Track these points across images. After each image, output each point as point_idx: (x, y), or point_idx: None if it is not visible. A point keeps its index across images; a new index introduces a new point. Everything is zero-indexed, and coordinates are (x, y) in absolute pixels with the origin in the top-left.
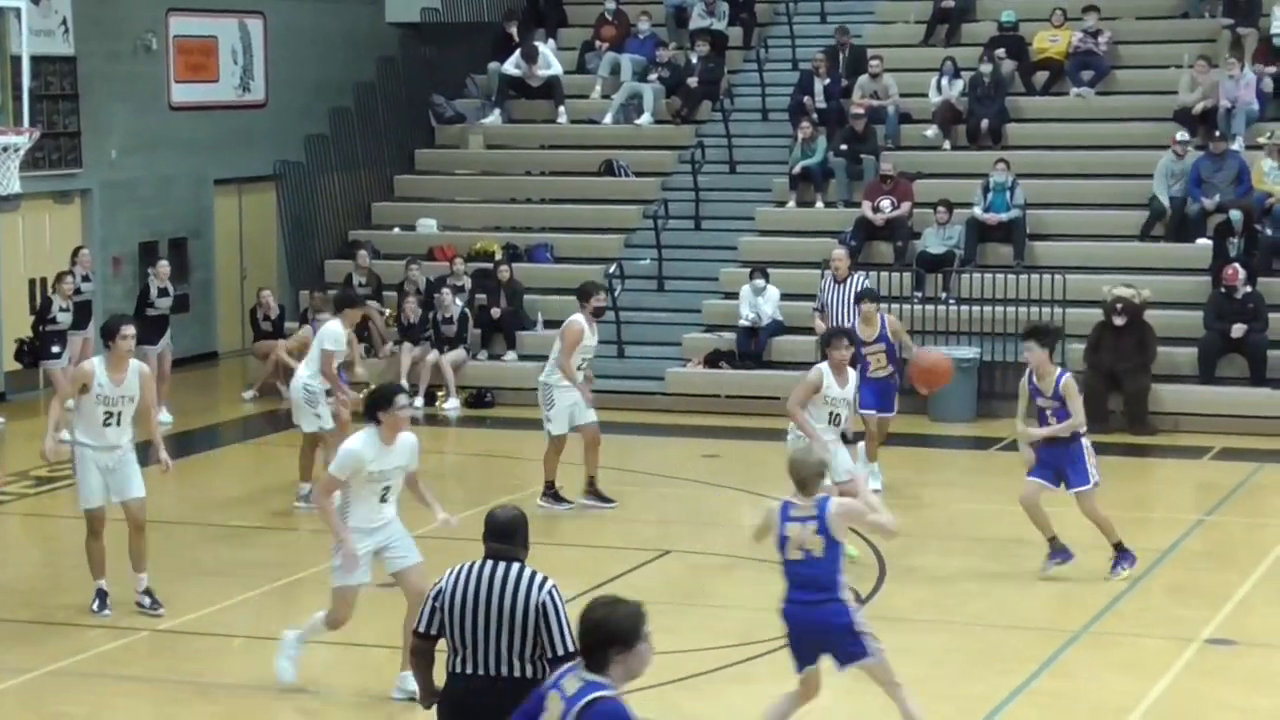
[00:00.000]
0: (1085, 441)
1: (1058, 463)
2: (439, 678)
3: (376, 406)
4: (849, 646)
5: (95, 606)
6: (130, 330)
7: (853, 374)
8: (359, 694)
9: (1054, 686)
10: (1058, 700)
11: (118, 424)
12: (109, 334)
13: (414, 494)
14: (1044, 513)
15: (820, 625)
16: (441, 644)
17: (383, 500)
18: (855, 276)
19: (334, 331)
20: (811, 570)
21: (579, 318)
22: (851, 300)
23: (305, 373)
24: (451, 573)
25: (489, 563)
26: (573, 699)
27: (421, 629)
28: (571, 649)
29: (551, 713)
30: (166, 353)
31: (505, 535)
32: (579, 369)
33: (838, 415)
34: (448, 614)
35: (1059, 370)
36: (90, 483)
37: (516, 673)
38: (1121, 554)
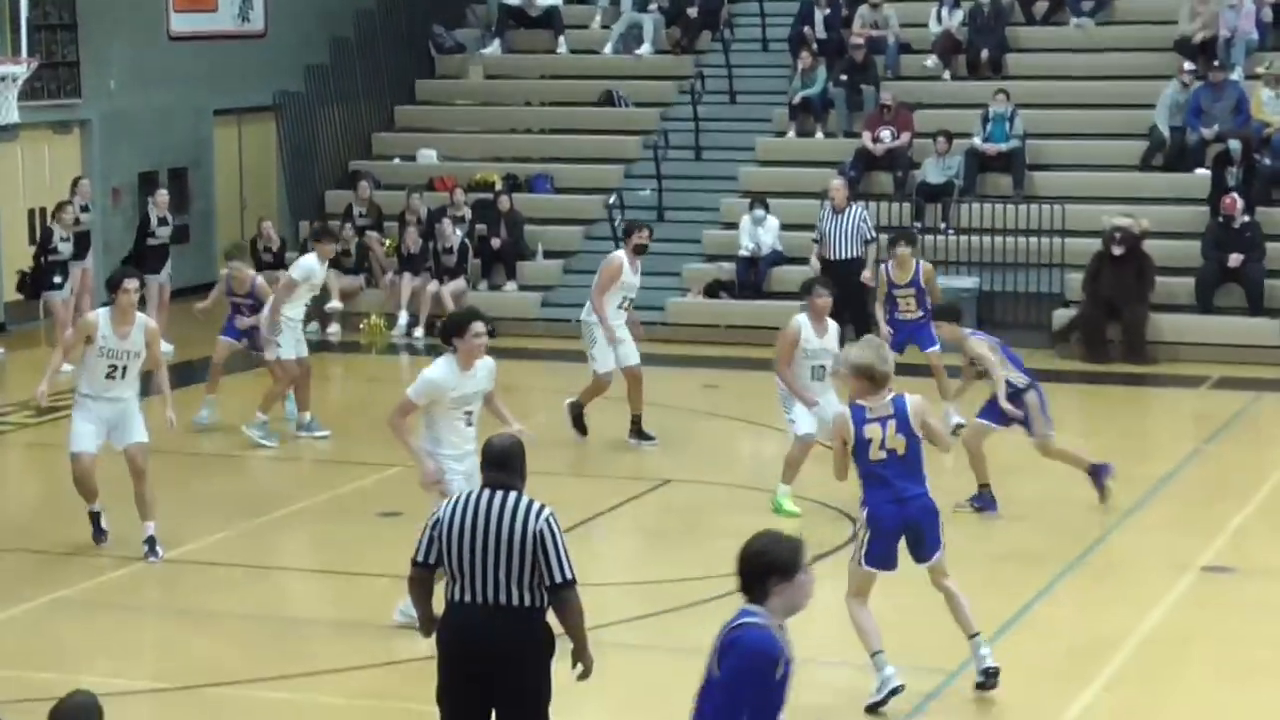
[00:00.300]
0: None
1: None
2: (438, 608)
3: (452, 333)
4: (936, 536)
5: (92, 533)
6: (134, 284)
7: (833, 324)
8: (361, 623)
9: (1051, 614)
10: (1055, 628)
11: (122, 377)
12: (113, 286)
13: (491, 411)
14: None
15: (914, 520)
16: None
17: (468, 425)
18: (853, 207)
19: (304, 264)
20: (899, 468)
21: (620, 254)
22: (850, 230)
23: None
24: (449, 502)
25: (486, 492)
26: (726, 625)
27: (420, 558)
28: (570, 576)
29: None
30: (166, 284)
31: (502, 464)
32: (620, 308)
33: (820, 368)
34: (446, 543)
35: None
36: (81, 430)
37: (515, 601)
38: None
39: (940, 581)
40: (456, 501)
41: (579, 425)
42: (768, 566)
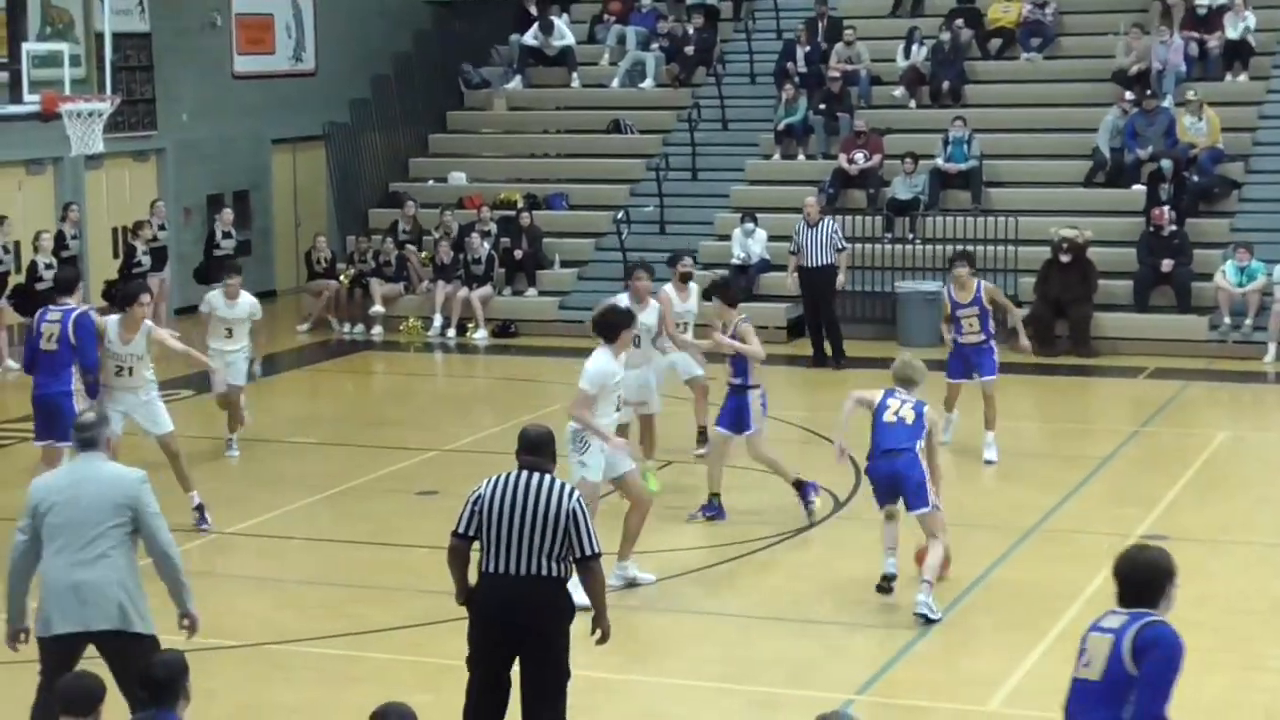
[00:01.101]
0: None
1: None
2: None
3: (615, 328)
4: (917, 496)
5: None
6: (147, 298)
7: (653, 302)
8: (402, 588)
9: (1008, 577)
10: (1012, 588)
11: (129, 375)
12: (130, 299)
13: None
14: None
15: (898, 473)
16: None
17: (617, 409)
18: (826, 220)
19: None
20: (898, 431)
21: (666, 286)
22: (823, 241)
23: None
24: (490, 481)
25: (523, 473)
26: (1121, 630)
27: (461, 530)
28: (598, 549)
29: (1097, 650)
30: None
31: (536, 449)
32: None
33: (637, 337)
34: (486, 518)
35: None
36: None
37: (545, 571)
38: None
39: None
40: (497, 481)
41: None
42: (1167, 573)
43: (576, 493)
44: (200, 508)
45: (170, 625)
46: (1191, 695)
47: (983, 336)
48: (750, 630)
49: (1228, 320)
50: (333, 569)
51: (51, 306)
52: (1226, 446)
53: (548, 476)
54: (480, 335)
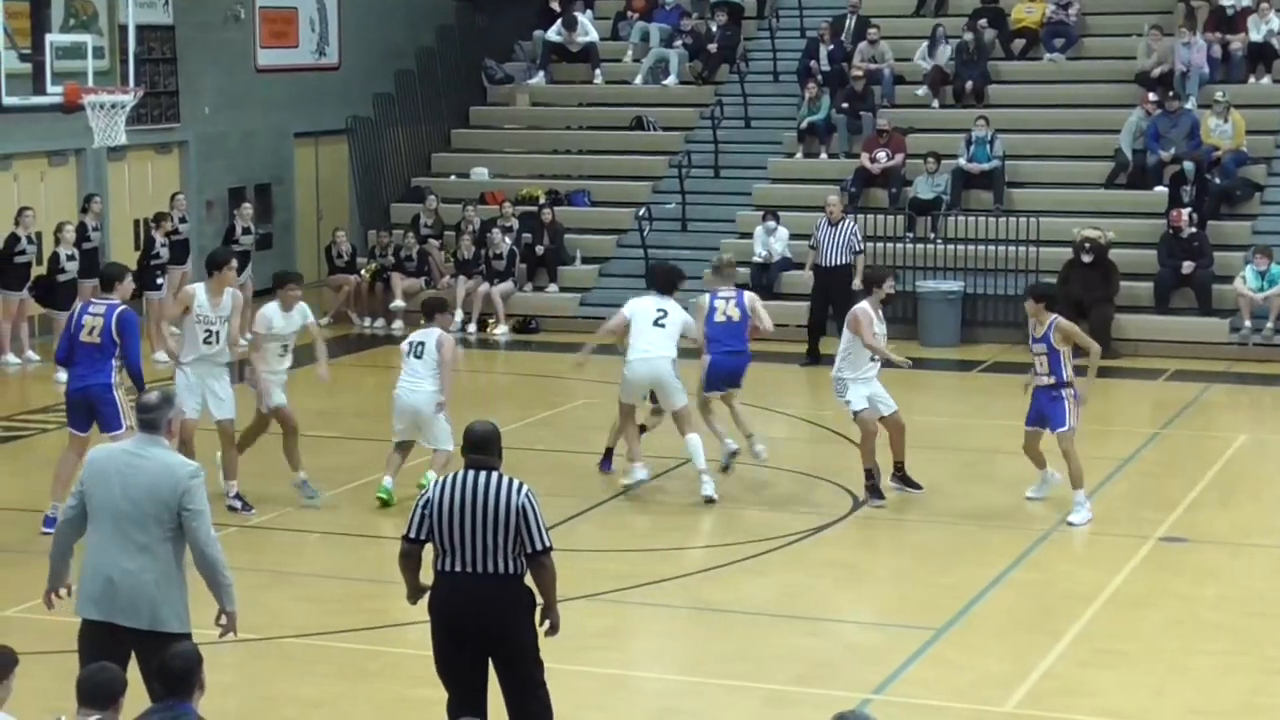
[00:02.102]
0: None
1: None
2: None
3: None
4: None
5: None
6: (234, 263)
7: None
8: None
9: (1027, 578)
10: (1030, 589)
11: (216, 341)
12: (219, 264)
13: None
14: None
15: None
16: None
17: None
18: (847, 220)
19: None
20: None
21: (864, 304)
22: (841, 241)
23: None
24: (437, 483)
25: (470, 472)
26: None
27: (412, 535)
28: (547, 544)
29: None
30: (249, 283)
31: (482, 447)
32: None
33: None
34: (436, 519)
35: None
36: (186, 399)
37: (499, 569)
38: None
39: None
40: (444, 482)
41: (905, 481)
42: None
43: (525, 488)
44: (239, 496)
45: (206, 620)
46: (1211, 698)
47: (1052, 379)
48: (766, 627)
49: (1248, 323)
50: (352, 563)
51: (94, 300)
52: (1247, 449)
53: (495, 474)
54: (501, 331)
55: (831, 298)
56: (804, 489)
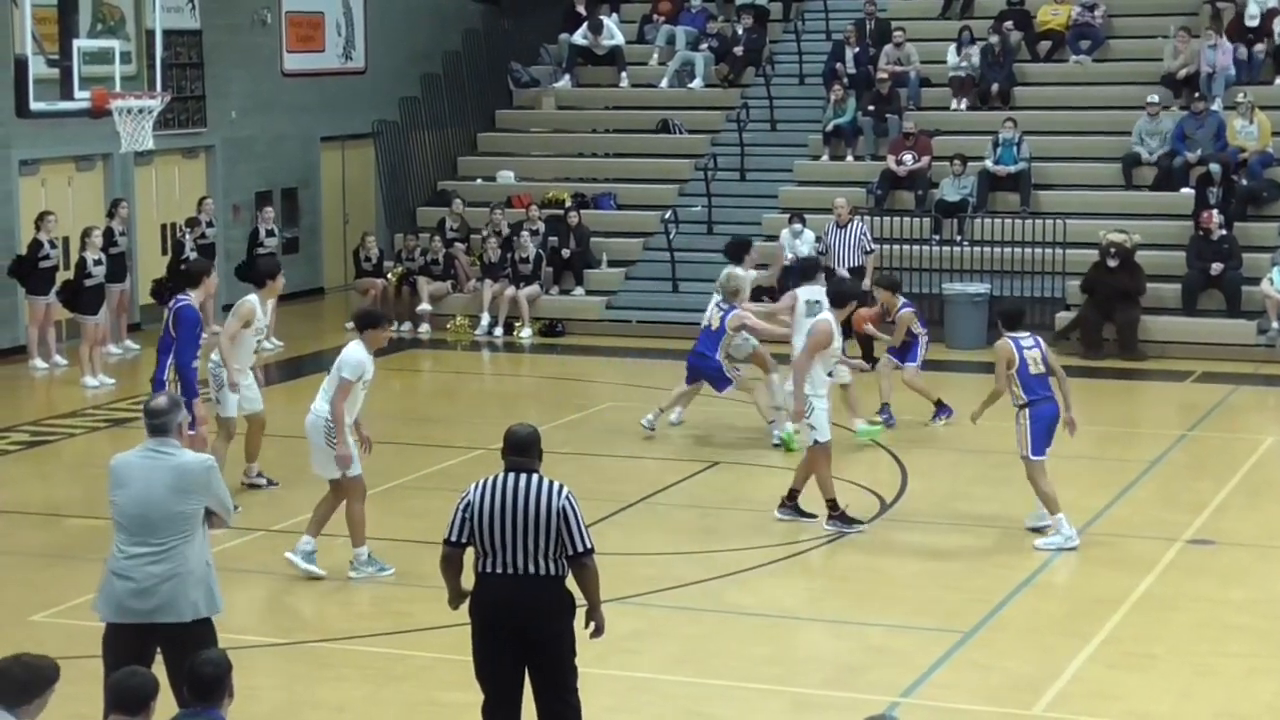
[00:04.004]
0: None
1: None
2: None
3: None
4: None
5: (265, 484)
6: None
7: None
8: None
9: (1054, 580)
10: (1058, 592)
11: (260, 347)
12: (273, 274)
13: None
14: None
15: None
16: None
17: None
18: (855, 221)
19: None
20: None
21: (830, 317)
22: (852, 242)
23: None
24: (477, 486)
25: (510, 475)
26: None
27: (453, 538)
28: (589, 545)
29: None
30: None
31: (524, 449)
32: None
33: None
34: (477, 522)
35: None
36: (230, 399)
37: (541, 571)
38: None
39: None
40: (484, 485)
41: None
42: None
43: (566, 490)
44: (260, 474)
45: (235, 624)
46: (1239, 700)
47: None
48: (795, 631)
49: (1275, 325)
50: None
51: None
52: (1275, 450)
53: (535, 476)
54: (527, 334)
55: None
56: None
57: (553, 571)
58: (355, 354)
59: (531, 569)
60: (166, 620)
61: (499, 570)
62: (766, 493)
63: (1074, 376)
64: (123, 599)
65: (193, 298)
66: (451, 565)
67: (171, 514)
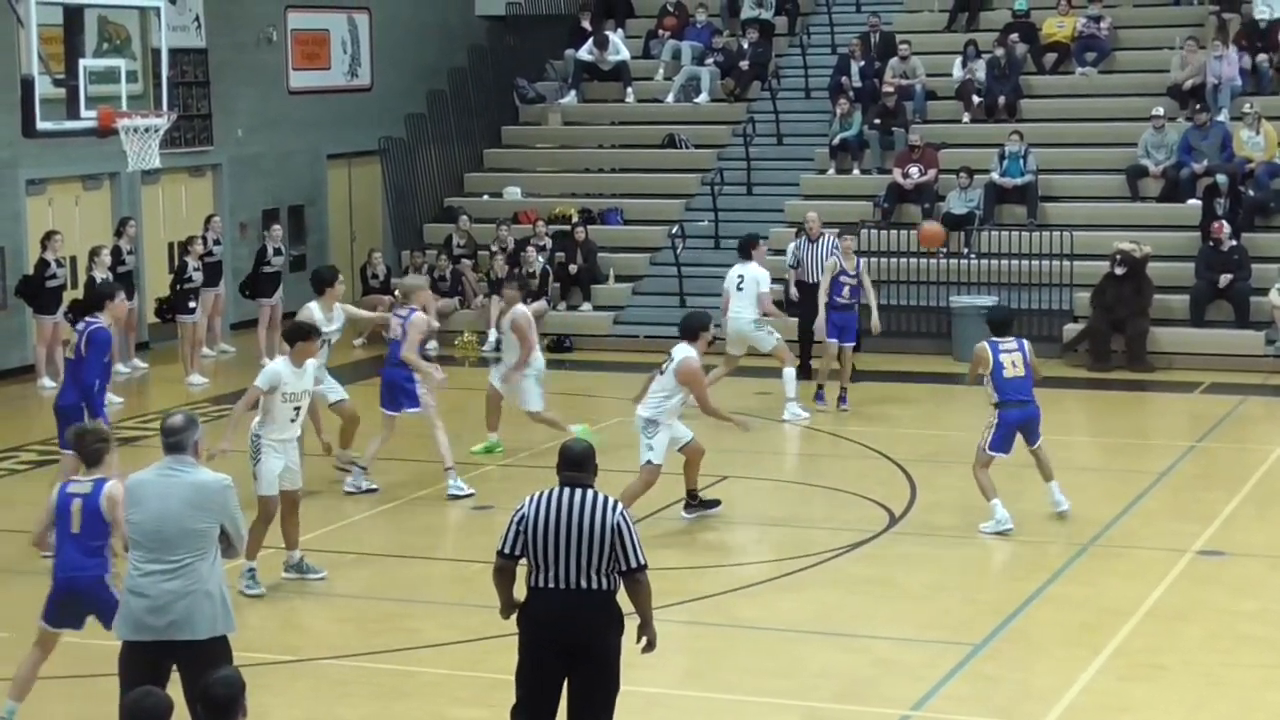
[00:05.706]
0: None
1: None
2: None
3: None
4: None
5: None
6: (342, 278)
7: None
8: (457, 603)
9: (1066, 591)
10: (1070, 603)
11: (328, 348)
12: (330, 281)
13: None
14: None
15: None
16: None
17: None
18: (826, 235)
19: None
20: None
21: (695, 355)
22: (823, 256)
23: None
24: (531, 500)
25: (565, 489)
26: None
27: (506, 550)
28: (643, 561)
29: None
30: (278, 305)
31: (579, 465)
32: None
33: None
34: (531, 536)
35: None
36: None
37: (593, 585)
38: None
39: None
40: (540, 498)
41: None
42: None
43: (620, 506)
44: (353, 462)
45: (248, 643)
46: (1250, 711)
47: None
48: (803, 644)
49: None
50: (388, 583)
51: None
52: None
53: (590, 491)
54: None
55: (815, 313)
56: (838, 505)
57: (605, 586)
58: (272, 365)
59: (584, 584)
60: (182, 637)
61: (551, 584)
62: (776, 506)
63: (1083, 388)
64: (140, 616)
65: (102, 320)
66: (504, 577)
67: (187, 530)
